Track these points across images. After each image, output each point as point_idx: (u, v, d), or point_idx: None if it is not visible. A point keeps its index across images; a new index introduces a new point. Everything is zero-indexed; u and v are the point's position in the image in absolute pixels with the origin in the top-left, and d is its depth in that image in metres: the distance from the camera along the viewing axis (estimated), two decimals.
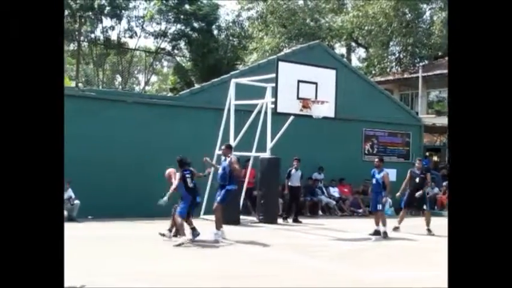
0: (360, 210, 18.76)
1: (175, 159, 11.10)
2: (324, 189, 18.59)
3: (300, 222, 15.22)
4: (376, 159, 12.97)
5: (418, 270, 8.77)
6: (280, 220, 15.11)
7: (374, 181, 12.69)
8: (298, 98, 13.87)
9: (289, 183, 15.49)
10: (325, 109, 14.08)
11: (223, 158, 11.66)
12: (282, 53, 22.92)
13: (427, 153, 25.69)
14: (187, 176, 10.85)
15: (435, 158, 27.20)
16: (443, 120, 26.84)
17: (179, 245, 10.11)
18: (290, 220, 15.32)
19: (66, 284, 6.05)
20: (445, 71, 28.18)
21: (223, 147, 11.96)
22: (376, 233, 12.52)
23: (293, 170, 15.50)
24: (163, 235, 10.93)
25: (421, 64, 32.78)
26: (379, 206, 12.57)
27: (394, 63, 36.55)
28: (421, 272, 8.61)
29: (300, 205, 16.78)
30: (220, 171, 11.54)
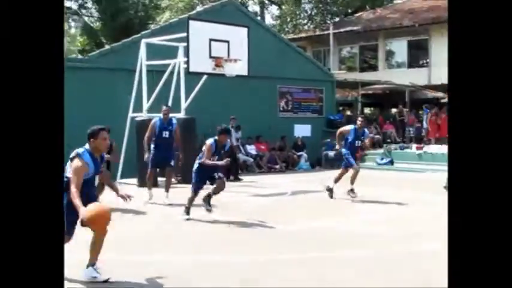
0: (277, 166, 19.09)
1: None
2: (241, 147, 18.75)
3: (241, 179, 15.65)
4: (361, 119, 12.08)
5: (330, 220, 9.11)
6: None
7: (358, 143, 11.72)
8: (210, 57, 13.75)
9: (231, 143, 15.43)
10: (238, 67, 14.07)
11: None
12: (194, 11, 22.60)
13: (340, 108, 26.34)
14: None
15: (348, 113, 27.94)
16: (354, 76, 27.55)
17: None
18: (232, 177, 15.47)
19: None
20: (356, 28, 28.76)
21: (164, 108, 11.91)
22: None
23: (232, 130, 15.50)
24: None
25: (332, 21, 33.22)
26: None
27: (306, 21, 36.87)
28: (332, 221, 8.96)
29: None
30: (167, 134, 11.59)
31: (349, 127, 12.05)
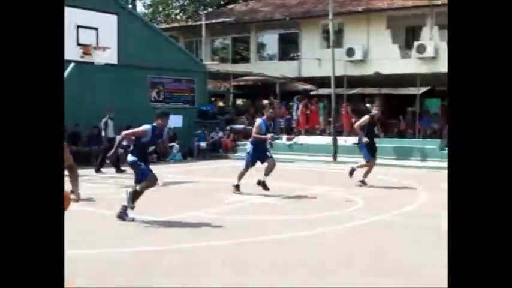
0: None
1: None
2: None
3: (124, 171, 14.89)
4: (272, 110, 11.84)
5: (201, 210, 9.15)
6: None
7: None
8: (78, 44, 13.29)
9: (108, 135, 14.79)
10: (107, 56, 13.73)
11: None
12: None
13: (213, 99, 26.48)
14: None
15: (220, 103, 28.17)
16: (226, 67, 27.79)
17: None
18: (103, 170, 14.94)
19: None
20: (228, 19, 28.99)
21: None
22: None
23: (109, 120, 14.92)
24: None
25: (204, 12, 33.27)
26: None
27: (178, 11, 36.65)
28: (203, 211, 9.02)
29: (87, 154, 16.51)
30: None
31: (257, 122, 11.38)
